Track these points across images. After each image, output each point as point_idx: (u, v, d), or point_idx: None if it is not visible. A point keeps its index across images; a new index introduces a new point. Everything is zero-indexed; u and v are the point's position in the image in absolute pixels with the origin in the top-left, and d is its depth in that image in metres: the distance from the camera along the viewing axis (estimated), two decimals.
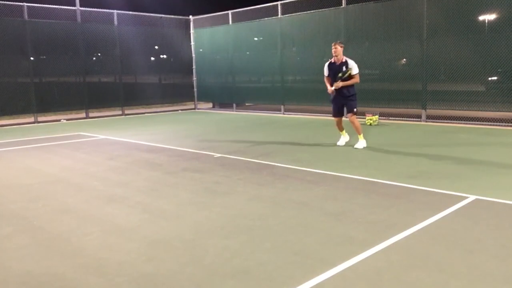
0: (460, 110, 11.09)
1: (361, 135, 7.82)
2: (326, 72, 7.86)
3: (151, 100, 17.04)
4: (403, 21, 11.61)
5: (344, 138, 8.13)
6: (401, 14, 11.60)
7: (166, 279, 2.99)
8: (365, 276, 2.93)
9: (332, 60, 7.79)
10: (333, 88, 7.70)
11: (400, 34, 11.74)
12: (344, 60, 7.67)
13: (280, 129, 10.90)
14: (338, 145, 8.01)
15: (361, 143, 7.79)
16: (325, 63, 7.99)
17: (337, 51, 7.62)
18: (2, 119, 13.71)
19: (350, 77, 7.62)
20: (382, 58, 12.13)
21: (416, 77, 11.59)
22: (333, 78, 7.73)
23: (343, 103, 7.84)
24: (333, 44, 7.71)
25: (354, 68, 7.61)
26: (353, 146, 7.79)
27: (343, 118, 8.09)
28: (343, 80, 7.61)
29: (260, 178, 5.75)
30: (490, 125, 10.30)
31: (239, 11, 15.70)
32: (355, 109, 7.74)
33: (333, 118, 8.19)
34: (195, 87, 17.87)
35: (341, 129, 8.11)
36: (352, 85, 7.72)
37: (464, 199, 4.52)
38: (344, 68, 7.61)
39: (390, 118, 11.94)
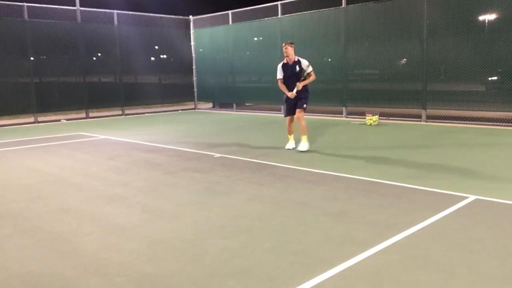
0: (460, 110, 11.09)
1: (305, 136, 7.54)
2: (280, 74, 7.63)
3: (151, 100, 17.04)
4: (403, 21, 11.60)
5: (291, 143, 7.81)
6: (401, 14, 11.60)
7: (166, 279, 2.99)
8: (365, 276, 2.93)
9: (285, 61, 7.61)
10: (294, 91, 7.48)
11: (400, 34, 11.74)
12: (296, 60, 7.53)
13: (280, 129, 10.88)
14: (287, 149, 7.72)
15: (304, 145, 7.50)
16: (279, 64, 7.75)
17: (288, 51, 7.48)
18: (2, 119, 13.71)
19: (306, 77, 7.53)
20: (382, 58, 12.13)
21: (416, 77, 11.59)
22: (288, 79, 7.55)
23: (295, 101, 7.60)
24: (283, 45, 7.56)
25: (309, 67, 7.50)
26: (295, 148, 7.60)
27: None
28: (302, 80, 7.51)
29: (260, 178, 5.74)
30: (490, 125, 10.30)
31: (239, 11, 15.70)
32: (304, 105, 7.56)
33: (284, 117, 7.98)
34: (195, 87, 17.86)
35: (290, 132, 7.82)
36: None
37: (464, 199, 4.52)
38: (297, 68, 7.48)
39: (390, 118, 11.94)
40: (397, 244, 3.44)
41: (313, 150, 7.65)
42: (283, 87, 7.68)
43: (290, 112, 7.77)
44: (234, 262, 3.21)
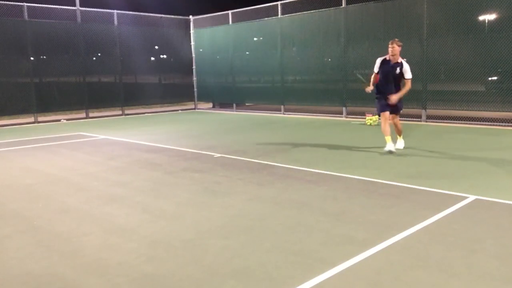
0: (460, 110, 11.08)
1: (401, 136, 7.51)
2: (376, 68, 7.14)
3: (151, 100, 17.05)
4: (403, 21, 11.60)
5: (391, 145, 7.04)
6: (401, 14, 11.60)
7: (166, 279, 2.99)
8: (365, 276, 2.93)
9: (387, 57, 7.07)
10: (389, 100, 6.95)
11: (400, 34, 11.69)
12: (399, 61, 6.97)
13: (280, 129, 10.90)
14: (388, 151, 6.99)
15: (402, 143, 7.41)
16: (379, 58, 7.23)
17: (395, 50, 6.87)
18: (2, 119, 13.71)
19: (403, 82, 7.01)
20: None
21: (416, 77, 11.46)
22: (384, 78, 7.04)
23: (391, 104, 7.08)
24: (390, 43, 6.92)
25: (407, 73, 6.95)
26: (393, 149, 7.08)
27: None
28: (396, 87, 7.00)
29: (260, 178, 5.74)
30: (490, 125, 10.29)
31: (239, 11, 15.70)
32: (401, 110, 7.29)
33: (379, 114, 7.29)
34: (195, 87, 17.88)
35: (388, 132, 7.00)
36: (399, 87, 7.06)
37: (464, 199, 4.52)
38: (398, 70, 6.94)
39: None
40: (397, 244, 3.44)
41: (313, 150, 7.65)
42: (371, 80, 7.21)
43: (387, 107, 7.09)
44: (234, 262, 3.21)
